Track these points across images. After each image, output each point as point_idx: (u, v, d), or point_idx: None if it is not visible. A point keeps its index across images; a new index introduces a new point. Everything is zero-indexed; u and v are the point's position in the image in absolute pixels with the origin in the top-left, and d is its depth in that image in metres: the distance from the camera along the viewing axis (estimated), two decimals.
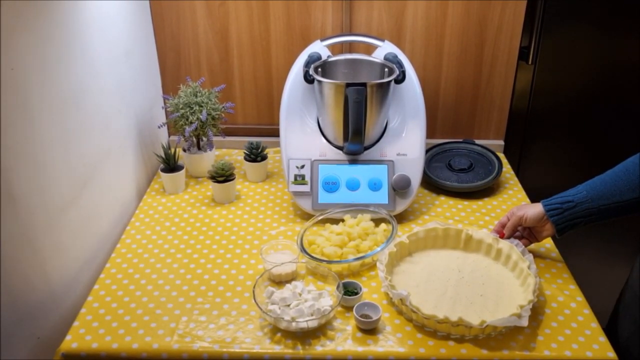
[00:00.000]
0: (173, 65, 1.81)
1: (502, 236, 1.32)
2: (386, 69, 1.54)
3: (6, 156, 1.01)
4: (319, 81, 1.46)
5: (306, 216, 1.51)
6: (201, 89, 1.66)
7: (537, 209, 1.26)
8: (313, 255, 1.32)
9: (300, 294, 1.19)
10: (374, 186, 1.49)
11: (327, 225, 1.43)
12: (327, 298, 1.19)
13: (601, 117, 1.87)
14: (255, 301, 1.16)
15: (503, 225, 1.33)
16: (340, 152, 1.52)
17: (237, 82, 1.83)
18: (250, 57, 1.79)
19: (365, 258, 1.31)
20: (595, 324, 1.17)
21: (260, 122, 1.90)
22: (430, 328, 1.14)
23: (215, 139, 1.71)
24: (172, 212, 1.55)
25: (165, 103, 1.70)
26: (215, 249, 1.40)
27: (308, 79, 1.49)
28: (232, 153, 1.87)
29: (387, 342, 1.12)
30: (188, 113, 1.61)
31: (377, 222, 1.43)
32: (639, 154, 1.20)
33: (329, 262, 1.30)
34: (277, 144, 1.60)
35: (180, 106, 1.62)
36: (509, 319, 1.09)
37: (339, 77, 1.57)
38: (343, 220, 1.44)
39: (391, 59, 1.53)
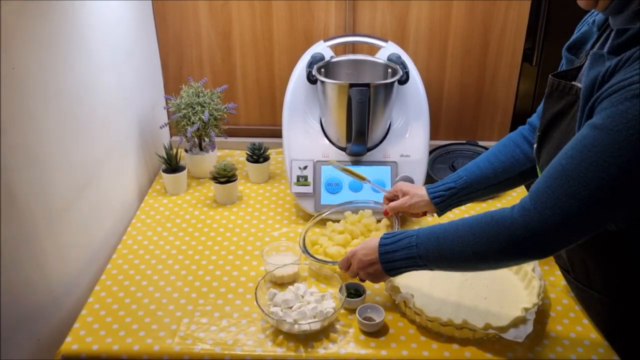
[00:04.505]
0: (175, 65, 1.81)
1: (386, 214, 1.35)
2: (389, 70, 1.53)
3: (7, 156, 1.00)
4: (322, 82, 1.45)
5: (308, 217, 1.49)
6: (203, 89, 1.65)
7: (424, 198, 1.28)
8: (316, 256, 1.31)
9: (302, 296, 1.18)
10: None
11: (329, 223, 1.42)
12: (330, 300, 1.18)
13: None
14: (257, 303, 1.15)
15: (389, 200, 1.35)
16: (343, 153, 1.51)
17: (240, 83, 1.83)
18: (253, 57, 1.78)
19: None
20: None
21: (263, 122, 1.89)
22: (434, 330, 1.13)
23: (217, 139, 1.71)
24: (174, 213, 1.54)
25: (167, 103, 1.70)
26: (216, 250, 1.39)
27: (311, 79, 1.49)
28: (234, 154, 1.86)
29: (390, 345, 1.11)
30: (190, 113, 1.60)
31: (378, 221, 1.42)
32: (508, 135, 1.28)
33: (333, 262, 1.29)
34: (280, 145, 1.59)
35: (183, 106, 1.61)
36: (514, 332, 1.08)
37: (342, 78, 1.56)
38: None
39: (394, 59, 1.52)
